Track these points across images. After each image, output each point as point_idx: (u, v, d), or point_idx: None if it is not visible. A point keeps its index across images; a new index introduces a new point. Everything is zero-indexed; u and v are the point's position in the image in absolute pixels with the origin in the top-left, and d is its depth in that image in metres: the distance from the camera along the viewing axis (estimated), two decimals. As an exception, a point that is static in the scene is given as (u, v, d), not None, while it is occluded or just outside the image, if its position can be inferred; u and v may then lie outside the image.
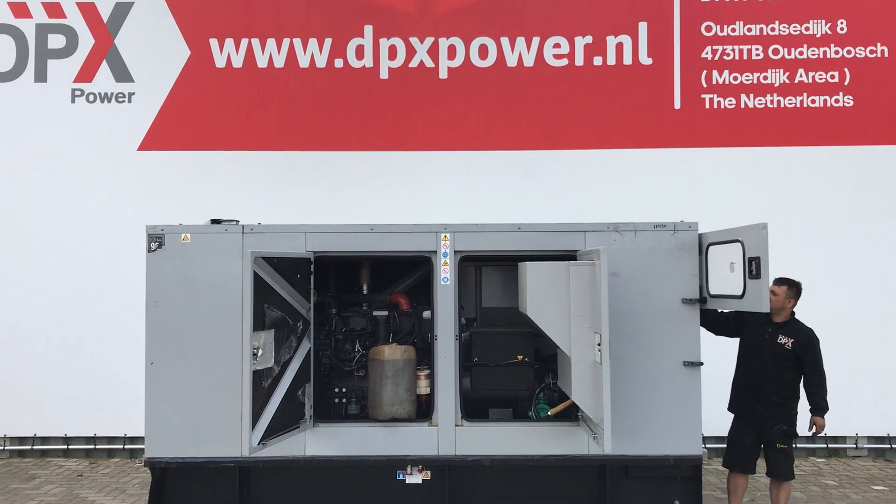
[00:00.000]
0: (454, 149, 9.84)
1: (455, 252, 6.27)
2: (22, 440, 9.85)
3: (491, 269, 7.18)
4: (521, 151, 9.79)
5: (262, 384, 5.49)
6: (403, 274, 7.28)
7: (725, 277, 5.79)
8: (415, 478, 6.26)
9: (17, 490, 8.40)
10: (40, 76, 9.88)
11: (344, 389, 6.70)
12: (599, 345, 5.29)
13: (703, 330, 6.22)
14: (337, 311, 6.78)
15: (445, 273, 6.29)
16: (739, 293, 5.54)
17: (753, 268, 5.34)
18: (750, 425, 6.23)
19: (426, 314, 6.66)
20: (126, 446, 9.74)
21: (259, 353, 5.41)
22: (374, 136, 9.86)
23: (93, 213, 9.75)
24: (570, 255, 6.06)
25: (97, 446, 9.78)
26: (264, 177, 9.75)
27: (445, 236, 6.29)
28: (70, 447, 9.79)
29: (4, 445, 9.86)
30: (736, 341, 6.46)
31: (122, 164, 9.80)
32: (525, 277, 5.73)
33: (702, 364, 6.13)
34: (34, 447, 9.82)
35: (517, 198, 9.65)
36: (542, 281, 5.58)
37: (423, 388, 6.41)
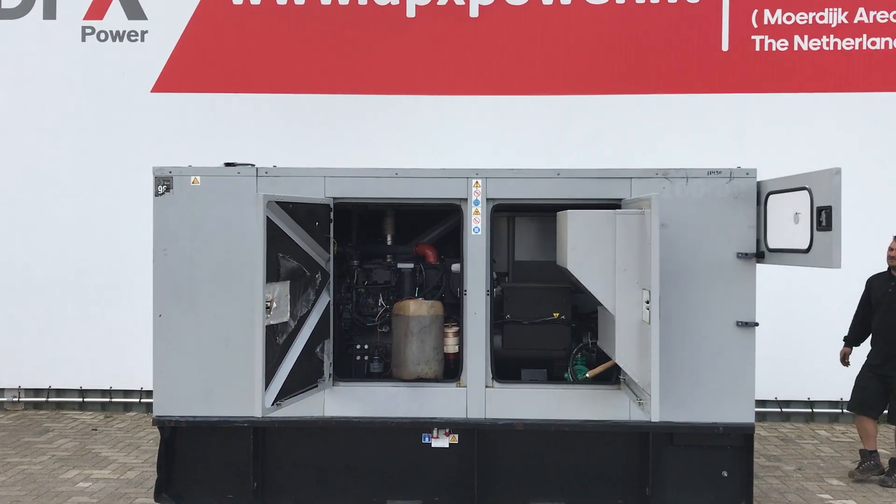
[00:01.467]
0: (485, 93, 9.23)
1: (487, 200, 5.74)
2: (37, 391, 9.58)
3: (525, 220, 6.64)
4: (557, 96, 9.16)
5: (277, 340, 5.04)
6: (431, 224, 6.77)
7: (788, 229, 5.21)
8: (441, 441, 5.82)
9: (30, 444, 8.13)
10: (49, 13, 9.38)
11: (366, 346, 6.25)
12: (648, 303, 4.77)
13: (759, 287, 5.66)
14: (359, 262, 6.30)
15: (476, 223, 5.77)
16: (804, 247, 4.97)
17: (823, 219, 4.76)
18: (878, 375, 6.80)
19: (455, 267, 6.16)
20: (142, 400, 9.45)
21: (273, 307, 4.95)
22: (399, 78, 9.27)
23: (105, 157, 9.32)
24: (613, 205, 5.52)
25: (113, 399, 9.49)
26: (283, 121, 9.23)
27: (477, 182, 5.76)
28: (85, 400, 9.51)
29: (20, 397, 9.61)
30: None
31: (135, 107, 9.32)
32: (565, 227, 5.19)
33: (757, 325, 5.59)
34: (49, 399, 9.56)
35: (552, 147, 9.05)
36: (585, 231, 5.04)
37: (450, 346, 5.93)
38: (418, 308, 5.80)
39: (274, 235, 5.00)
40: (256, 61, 9.31)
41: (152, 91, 9.37)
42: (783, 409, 9.18)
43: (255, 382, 4.86)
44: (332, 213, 5.76)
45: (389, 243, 6.60)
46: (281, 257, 5.07)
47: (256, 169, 5.80)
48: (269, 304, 4.91)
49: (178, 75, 9.34)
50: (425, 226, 6.54)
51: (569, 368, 6.02)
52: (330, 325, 5.76)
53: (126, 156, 9.23)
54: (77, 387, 9.52)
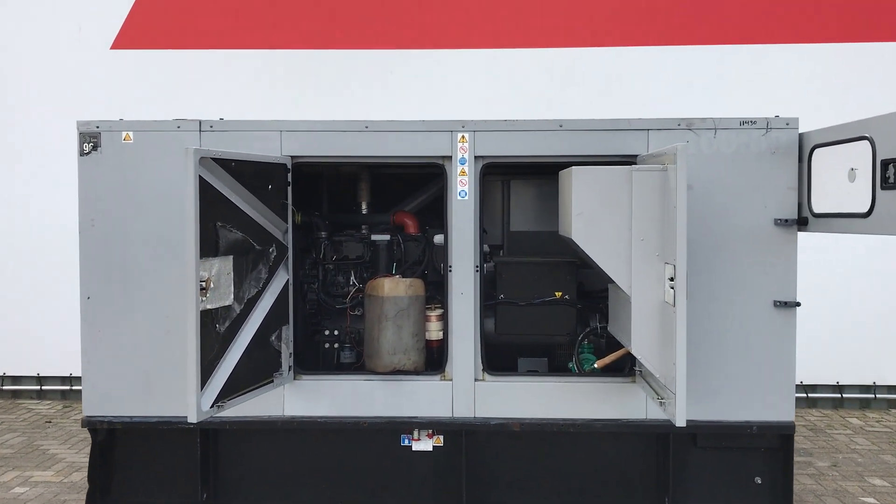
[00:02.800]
0: (478, 46, 8.23)
1: (476, 158, 4.81)
2: (-11, 380, 8.73)
3: (522, 184, 5.70)
4: (559, 49, 8.15)
5: (216, 328, 4.13)
6: (413, 191, 5.85)
7: (839, 190, 4.26)
8: (423, 444, 4.94)
9: (-30, 441, 7.26)
10: (-7, -40, 8.40)
11: (335, 332, 5.34)
12: (672, 280, 3.84)
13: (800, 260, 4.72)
14: (327, 234, 5.37)
15: (463, 185, 4.83)
16: (863, 210, 4.02)
17: (891, 174, 3.80)
18: None
19: (438, 239, 5.22)
20: (102, 390, 8.54)
21: (210, 288, 4.04)
22: (382, 31, 8.26)
23: (60, 121, 8.35)
24: (626, 164, 4.55)
25: (73, 387, 8.62)
26: (255, 79, 8.26)
27: (463, 137, 4.81)
28: (44, 388, 8.64)
29: (-31, 386, 8.75)
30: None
31: (93, 64, 8.36)
32: (569, 188, 4.26)
33: (798, 304, 4.67)
34: (4, 387, 8.69)
35: (554, 105, 8.06)
36: (594, 192, 4.11)
37: (433, 332, 5.02)
38: (395, 287, 4.88)
39: (211, 200, 4.07)
40: (225, 15, 8.32)
41: (112, 48, 8.40)
42: (809, 395, 8.25)
43: (189, 380, 3.96)
44: (289, 175, 4.82)
45: (365, 212, 5.66)
46: (221, 227, 4.15)
47: (200, 122, 4.86)
48: (204, 284, 4.00)
49: (140, 30, 8.36)
50: (407, 193, 5.84)
51: (574, 357, 5.10)
52: (289, 308, 4.85)
53: (83, 118, 8.27)
54: (34, 373, 8.65)
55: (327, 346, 5.35)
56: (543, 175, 5.59)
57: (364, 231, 5.54)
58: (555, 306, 5.11)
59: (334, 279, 5.40)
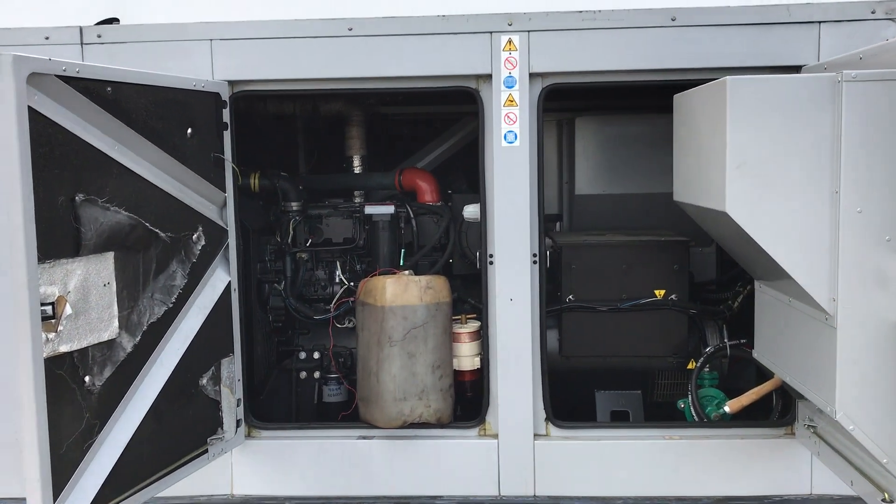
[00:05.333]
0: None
1: (533, 77, 2.95)
2: None
3: (592, 124, 3.79)
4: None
5: (86, 383, 2.31)
6: (428, 137, 4.00)
7: None
8: (453, 535, 3.14)
9: None
10: None
11: (314, 355, 3.50)
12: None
13: None
14: (301, 206, 3.50)
15: (511, 122, 2.97)
16: None
17: None
18: None
19: (471, 211, 3.33)
20: None
21: (65, 315, 2.20)
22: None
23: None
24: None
25: None
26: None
27: (511, 42, 2.93)
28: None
29: None
30: None
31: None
32: (715, 119, 2.36)
33: None
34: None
35: None
36: (767, 125, 2.21)
37: (466, 359, 3.21)
38: (402, 291, 3.03)
39: (64, 154, 2.22)
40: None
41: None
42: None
43: (29, 488, 2.14)
44: (227, 111, 2.95)
45: (357, 171, 3.79)
46: (87, 203, 2.29)
47: (80, 30, 2.99)
48: (51, 308, 2.16)
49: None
50: (421, 140, 4.20)
51: (690, 395, 3.22)
52: (233, 327, 3.01)
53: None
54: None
55: (303, 375, 3.51)
56: (623, 110, 3.71)
57: (357, 201, 3.68)
58: (656, 313, 3.27)
59: (311, 277, 3.54)
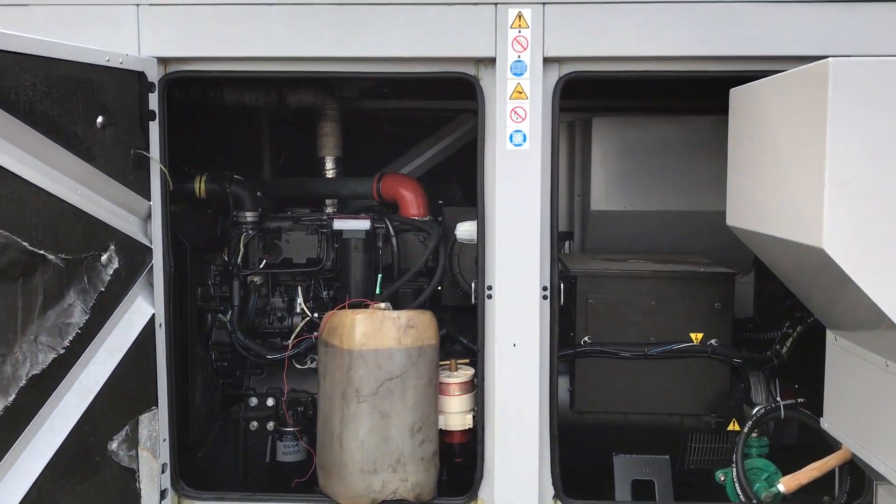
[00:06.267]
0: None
1: (549, 62, 2.29)
2: None
3: (612, 126, 3.16)
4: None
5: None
6: (418, 136, 3.41)
7: None
8: None
9: None
10: None
11: (267, 402, 2.83)
12: None
13: None
14: (256, 216, 2.85)
15: (518, 121, 2.32)
16: None
17: None
18: None
19: (464, 230, 2.68)
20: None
21: None
22: None
23: None
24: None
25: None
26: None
27: (521, 17, 2.28)
28: None
29: None
30: None
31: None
32: (808, 121, 1.71)
33: None
34: None
35: None
36: (883, 120, 1.58)
37: (454, 415, 2.55)
38: (376, 330, 2.38)
39: None
40: None
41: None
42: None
43: None
44: (153, 97, 2.29)
45: (330, 175, 3.14)
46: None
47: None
48: None
49: None
50: (404, 141, 3.64)
51: (734, 467, 2.56)
52: (158, 373, 2.35)
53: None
54: None
55: (254, 426, 2.84)
56: (643, 111, 3.10)
57: (328, 211, 3.04)
58: (691, 362, 2.63)
59: (266, 304, 2.88)
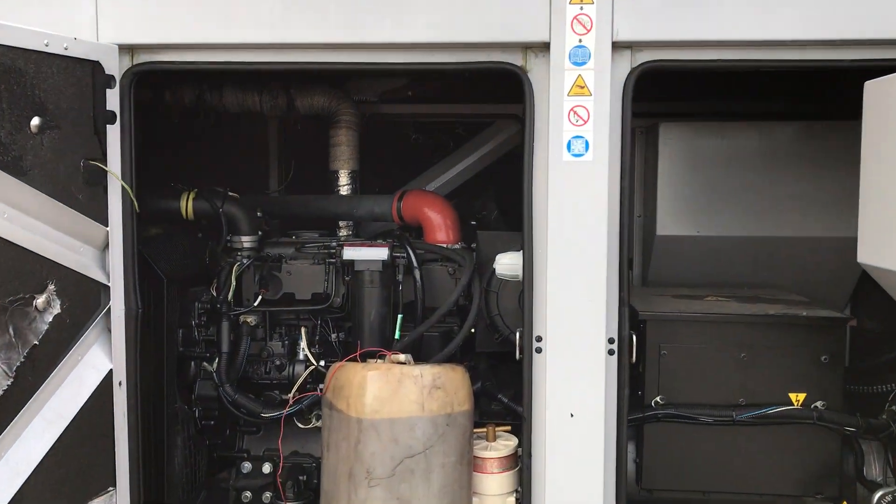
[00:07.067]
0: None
1: (618, 49, 1.74)
2: None
3: (687, 133, 2.62)
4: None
5: None
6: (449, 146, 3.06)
7: None
8: None
9: None
10: None
11: (265, 467, 2.31)
12: None
13: None
14: (254, 242, 2.35)
15: (580, 124, 1.77)
16: None
17: None
18: None
19: (506, 264, 2.13)
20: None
21: None
22: None
23: None
24: None
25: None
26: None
27: (584, -9, 1.75)
28: None
29: None
30: None
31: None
32: None
33: None
34: None
35: None
36: None
37: (492, 498, 2.01)
38: (392, 392, 1.87)
39: None
40: None
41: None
42: None
43: None
44: (112, 93, 1.80)
45: (343, 190, 2.64)
46: None
47: None
48: None
49: None
50: (429, 153, 3.16)
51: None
52: (118, 444, 1.85)
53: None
54: None
55: (247, 497, 2.33)
56: (720, 116, 2.59)
57: (342, 235, 2.54)
58: (791, 429, 2.09)
59: (262, 348, 2.37)
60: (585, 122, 1.82)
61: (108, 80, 1.82)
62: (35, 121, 1.63)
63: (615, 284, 1.86)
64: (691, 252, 2.67)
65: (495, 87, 2.48)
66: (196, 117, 2.68)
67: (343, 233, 2.64)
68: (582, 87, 1.81)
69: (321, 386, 2.23)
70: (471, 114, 3.08)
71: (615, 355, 1.88)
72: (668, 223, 2.66)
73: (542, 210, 1.86)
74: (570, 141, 1.82)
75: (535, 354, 1.89)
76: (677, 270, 2.68)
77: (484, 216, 2.97)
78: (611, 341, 1.87)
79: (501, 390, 2.24)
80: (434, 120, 3.17)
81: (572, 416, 1.86)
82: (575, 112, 1.82)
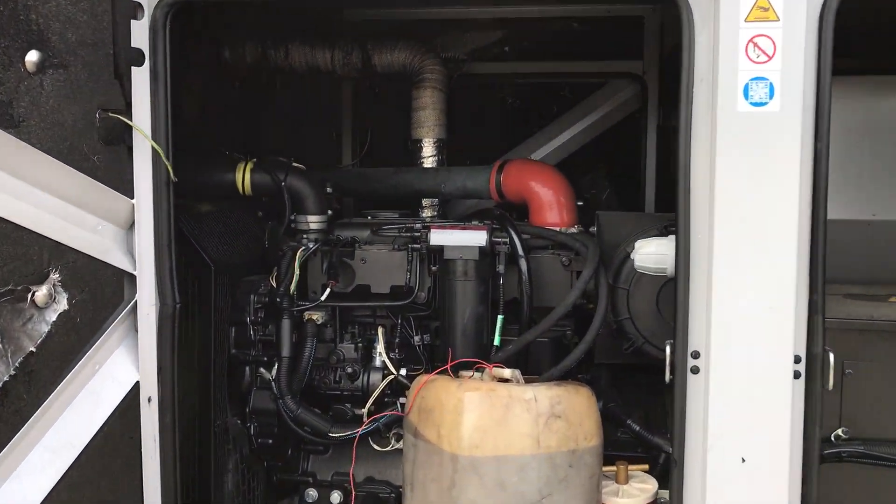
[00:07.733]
0: None
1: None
2: None
3: (862, 90, 2.09)
4: None
5: None
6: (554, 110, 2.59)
7: None
8: None
9: None
10: None
11: (334, 496, 1.92)
12: None
13: None
14: (322, 223, 1.93)
15: (764, 62, 1.25)
16: None
17: None
18: None
19: (648, 252, 1.63)
20: None
21: None
22: None
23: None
24: None
25: None
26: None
27: None
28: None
29: None
30: None
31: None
32: None
33: None
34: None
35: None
36: None
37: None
38: (497, 422, 1.41)
39: None
40: None
41: None
42: None
43: None
44: (140, 26, 1.37)
45: (427, 162, 2.18)
46: None
47: None
48: None
49: None
50: (530, 119, 2.76)
51: None
52: (145, 473, 1.45)
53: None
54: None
55: (309, 536, 1.92)
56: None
57: (426, 216, 2.11)
58: None
59: (331, 353, 1.95)
60: (770, 59, 1.32)
61: (135, 10, 1.41)
62: (32, 56, 1.23)
63: (805, 285, 1.36)
64: (864, 241, 2.14)
65: (607, 40, 2.01)
66: (258, 79, 2.32)
67: (428, 213, 2.22)
68: (766, 9, 1.31)
69: (402, 400, 1.81)
70: (579, 73, 2.63)
71: (801, 378, 1.37)
72: (838, 205, 2.13)
73: (703, 181, 1.37)
74: (747, 84, 1.32)
75: (690, 375, 1.40)
76: (846, 263, 2.15)
77: (594, 195, 2.49)
78: (797, 360, 1.37)
79: (629, 412, 1.76)
80: (534, 80, 2.73)
81: (744, 461, 1.37)
82: (755, 44, 1.32)
